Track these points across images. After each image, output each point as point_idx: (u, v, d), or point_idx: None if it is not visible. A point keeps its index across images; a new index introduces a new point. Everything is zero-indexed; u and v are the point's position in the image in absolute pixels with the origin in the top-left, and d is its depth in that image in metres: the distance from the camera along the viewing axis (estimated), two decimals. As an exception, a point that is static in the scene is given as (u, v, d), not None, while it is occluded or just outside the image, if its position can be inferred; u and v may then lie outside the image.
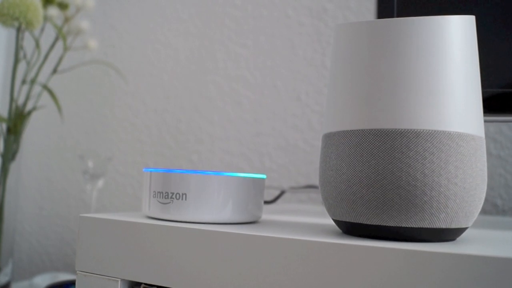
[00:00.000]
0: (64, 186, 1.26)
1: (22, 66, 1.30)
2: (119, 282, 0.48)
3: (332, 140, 0.42)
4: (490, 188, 0.86)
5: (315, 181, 0.99)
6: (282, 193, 0.81)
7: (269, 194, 1.04)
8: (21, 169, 1.32)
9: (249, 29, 1.08)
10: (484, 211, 0.86)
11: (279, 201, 1.02)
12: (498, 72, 0.59)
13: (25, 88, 1.23)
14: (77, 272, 0.50)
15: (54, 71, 1.10)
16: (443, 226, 0.38)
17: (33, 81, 1.04)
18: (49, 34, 1.29)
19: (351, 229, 0.41)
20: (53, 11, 1.04)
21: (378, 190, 0.38)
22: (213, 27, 1.12)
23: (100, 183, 1.04)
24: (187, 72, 1.14)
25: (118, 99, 1.21)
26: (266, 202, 0.81)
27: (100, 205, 1.21)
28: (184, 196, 0.47)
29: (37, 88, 1.29)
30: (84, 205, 1.23)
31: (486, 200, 0.86)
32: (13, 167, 1.02)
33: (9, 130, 1.01)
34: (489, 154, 0.86)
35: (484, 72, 0.60)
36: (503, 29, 0.60)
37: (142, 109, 1.18)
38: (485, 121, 0.60)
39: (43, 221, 1.28)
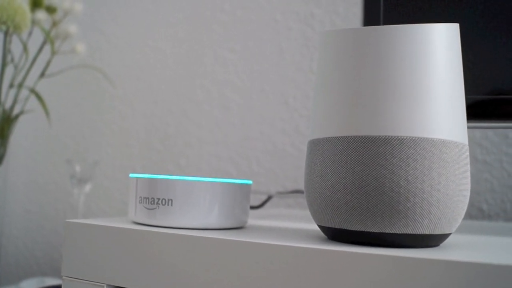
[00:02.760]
0: (51, 190, 1.26)
1: (9, 70, 1.30)
2: (105, 287, 0.47)
3: (317, 147, 0.42)
4: (476, 193, 0.86)
5: (303, 185, 0.99)
6: (269, 198, 0.82)
7: (257, 199, 1.04)
8: (8, 173, 1.31)
9: (237, 34, 1.08)
10: (470, 216, 0.86)
11: (266, 206, 1.02)
12: (483, 79, 0.60)
13: (13, 91, 1.23)
14: (63, 277, 0.50)
15: (42, 75, 1.10)
16: (427, 232, 0.39)
17: (20, 85, 1.04)
18: (37, 38, 1.29)
19: (335, 235, 0.42)
20: (41, 15, 1.04)
21: (362, 196, 0.38)
22: (201, 32, 1.12)
23: (88, 187, 1.04)
24: (175, 76, 1.14)
25: (106, 103, 1.21)
26: (253, 207, 0.81)
27: (87, 209, 1.20)
28: (170, 201, 0.47)
29: (24, 92, 1.29)
30: (71, 209, 1.23)
31: (472, 205, 0.87)
32: (0, 171, 1.01)
33: (-4, 134, 1.00)
34: (475, 159, 0.87)
35: (469, 78, 0.60)
36: (487, 35, 0.60)
37: (130, 113, 1.18)
38: (470, 127, 0.61)
39: (30, 225, 1.27)
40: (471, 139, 0.88)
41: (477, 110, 0.60)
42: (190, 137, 1.10)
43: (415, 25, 0.40)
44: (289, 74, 1.02)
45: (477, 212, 0.86)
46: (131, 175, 0.50)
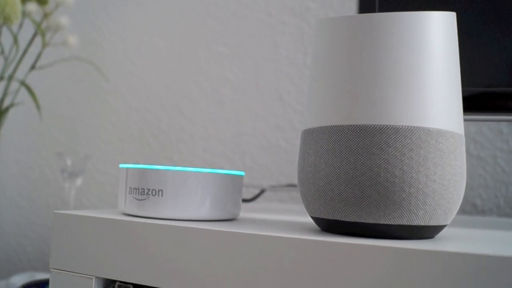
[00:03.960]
0: (42, 184, 1.24)
1: None
2: (94, 279, 0.47)
3: (310, 136, 0.41)
4: (469, 188, 0.86)
5: (296, 181, 0.99)
6: (262, 191, 0.81)
7: (250, 193, 1.03)
8: (-1, 167, 1.30)
9: (231, 29, 1.07)
10: (463, 211, 0.86)
11: (259, 199, 1.01)
12: (479, 71, 0.59)
13: (3, 84, 1.21)
14: (51, 269, 0.49)
15: (33, 67, 1.09)
16: (422, 224, 0.38)
17: (11, 77, 1.03)
18: (28, 29, 1.28)
19: (329, 226, 0.41)
20: (32, 6, 1.03)
21: (356, 186, 0.38)
22: (195, 26, 1.11)
23: (79, 181, 1.02)
24: (168, 71, 1.13)
25: (98, 97, 1.20)
26: (245, 201, 0.80)
27: (79, 203, 1.19)
28: (160, 192, 0.46)
29: (15, 85, 1.27)
30: (62, 204, 1.22)
31: (465, 200, 0.86)
32: (-11, 164, 1.00)
33: (-15, 127, 0.99)
34: (469, 154, 0.87)
35: (465, 71, 0.60)
36: (484, 27, 0.60)
37: (122, 108, 1.17)
38: (465, 120, 0.60)
39: (21, 219, 1.26)
40: (465, 134, 0.87)
41: (471, 103, 0.60)
42: (184, 133, 1.09)
43: (412, 13, 0.39)
44: (284, 69, 1.02)
45: (470, 207, 0.86)
46: (121, 165, 0.49)
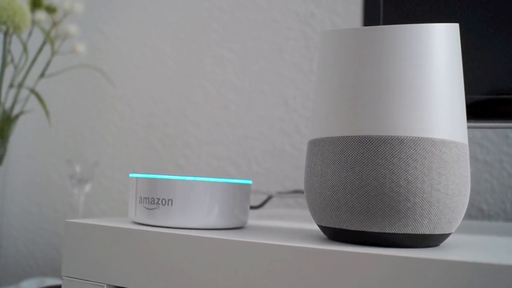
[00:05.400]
0: (51, 190, 1.26)
1: (9, 70, 1.30)
2: (105, 287, 0.47)
3: (317, 147, 0.42)
4: (476, 193, 0.86)
5: (302, 185, 0.99)
6: (269, 198, 0.82)
7: (256, 199, 1.04)
8: (8, 173, 1.31)
9: (236, 34, 1.08)
10: (470, 216, 0.87)
11: (266, 206, 1.02)
12: (483, 78, 0.60)
13: (13, 92, 1.23)
14: (63, 277, 0.50)
15: (42, 75, 1.10)
16: (427, 232, 0.39)
17: (20, 85, 1.04)
18: (37, 38, 1.29)
19: (335, 235, 0.42)
20: (41, 15, 1.04)
21: (362, 196, 0.39)
22: (200, 32, 1.12)
23: (87, 187, 1.04)
24: (174, 76, 1.14)
25: (105, 103, 1.21)
26: (253, 207, 0.81)
27: (87, 209, 1.20)
28: (170, 201, 0.47)
29: (24, 92, 1.29)
30: (71, 210, 1.23)
31: (472, 205, 0.87)
32: (0, 171, 1.01)
33: (-5, 134, 1.00)
34: (475, 159, 0.87)
35: (469, 78, 0.60)
36: (487, 35, 0.60)
37: (129, 113, 1.18)
38: (470, 127, 0.61)
39: (30, 225, 1.27)
40: (471, 139, 0.88)
41: (477, 110, 0.60)
42: (189, 137, 1.10)
43: (415, 25, 0.40)
44: (289, 75, 1.02)
45: (477, 212, 0.86)
46: (131, 175, 0.50)
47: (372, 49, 0.40)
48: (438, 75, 0.40)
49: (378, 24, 0.65)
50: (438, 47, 0.40)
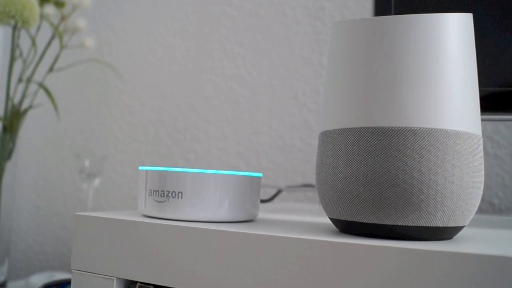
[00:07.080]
0: (60, 185, 1.26)
1: (18, 65, 1.30)
2: (115, 281, 0.47)
3: (329, 138, 0.42)
4: (487, 187, 0.86)
5: (312, 180, 0.99)
6: (278, 192, 0.81)
7: (266, 193, 1.04)
8: (17, 167, 1.32)
9: (246, 28, 1.08)
10: (481, 211, 0.86)
11: (276, 200, 1.02)
12: (496, 71, 0.59)
13: (21, 86, 1.23)
14: (73, 270, 0.50)
15: (51, 69, 1.10)
16: (440, 225, 0.38)
17: (29, 80, 1.04)
18: (46, 32, 1.29)
19: (347, 227, 0.41)
20: (50, 9, 1.04)
21: (375, 188, 0.38)
22: (210, 26, 1.11)
23: (97, 182, 1.03)
24: (183, 71, 1.13)
25: (114, 97, 1.21)
26: (262, 201, 0.81)
27: (96, 204, 1.20)
28: (180, 194, 0.46)
29: (33, 87, 1.29)
30: (80, 204, 1.23)
31: (483, 199, 0.86)
32: (9, 165, 1.01)
33: (5, 129, 1.01)
34: (486, 153, 0.86)
35: (482, 70, 0.60)
36: (501, 27, 0.59)
37: (138, 108, 1.18)
38: (482, 119, 0.60)
39: (39, 220, 1.28)
40: (482, 133, 0.87)
41: (488, 103, 0.59)
42: (199, 132, 1.10)
43: (428, 15, 0.39)
44: (298, 69, 1.02)
45: (488, 207, 0.86)
46: (140, 167, 0.50)
47: (385, 39, 0.39)
48: (452, 66, 0.39)
49: (389, 16, 0.64)
50: (452, 37, 0.39)
